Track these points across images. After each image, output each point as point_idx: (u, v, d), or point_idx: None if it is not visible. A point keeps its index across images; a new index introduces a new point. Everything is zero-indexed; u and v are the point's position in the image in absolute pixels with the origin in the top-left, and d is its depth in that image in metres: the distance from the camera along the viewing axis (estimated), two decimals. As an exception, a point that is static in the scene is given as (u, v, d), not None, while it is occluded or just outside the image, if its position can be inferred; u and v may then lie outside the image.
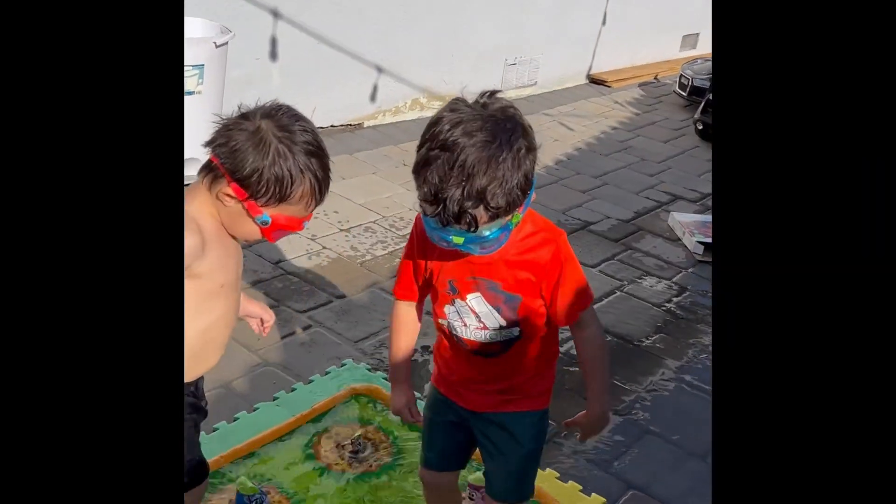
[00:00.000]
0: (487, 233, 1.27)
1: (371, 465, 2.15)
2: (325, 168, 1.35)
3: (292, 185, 1.30)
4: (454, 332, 1.53)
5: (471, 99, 1.29)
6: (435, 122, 1.26)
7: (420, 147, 1.27)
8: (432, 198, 1.24)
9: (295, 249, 3.32)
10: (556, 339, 1.62)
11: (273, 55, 4.16)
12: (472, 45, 5.35)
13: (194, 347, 1.40)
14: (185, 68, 3.37)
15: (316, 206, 1.37)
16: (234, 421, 2.24)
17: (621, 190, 4.45)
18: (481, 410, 1.59)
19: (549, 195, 4.26)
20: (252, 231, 1.37)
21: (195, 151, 3.97)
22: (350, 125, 4.76)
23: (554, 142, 5.11)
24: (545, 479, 2.15)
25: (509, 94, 5.82)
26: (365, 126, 4.82)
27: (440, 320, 1.54)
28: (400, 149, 4.60)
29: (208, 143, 1.34)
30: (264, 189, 1.30)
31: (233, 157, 1.29)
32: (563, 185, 4.45)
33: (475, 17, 5.26)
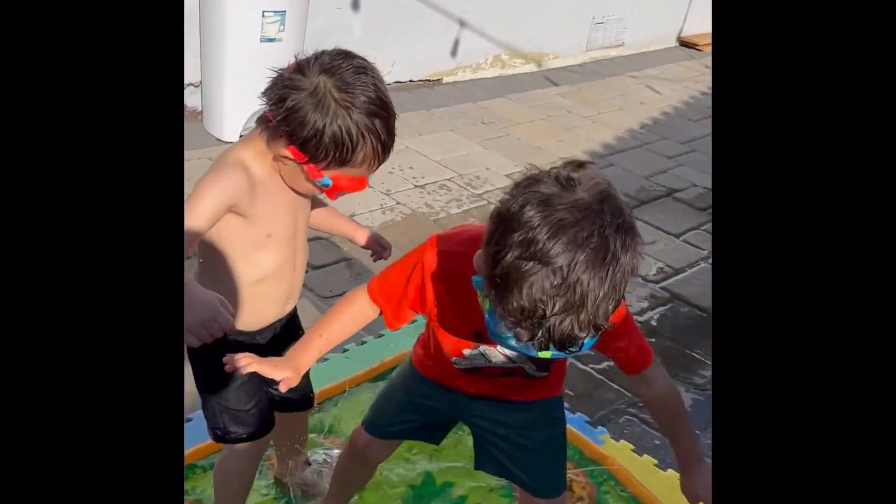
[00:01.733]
0: (585, 344, 1.04)
1: (438, 424, 2.10)
2: (389, 128, 1.23)
3: (353, 150, 1.21)
4: (469, 369, 1.34)
5: (547, 166, 1.02)
6: (519, 220, 0.96)
7: (501, 247, 0.97)
8: (528, 319, 0.97)
9: (369, 203, 3.27)
10: None
11: (355, 5, 4.09)
12: (559, 2, 5.15)
13: (242, 298, 1.37)
14: (267, 14, 3.33)
15: (378, 166, 1.27)
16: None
17: (710, 157, 4.24)
18: (491, 395, 1.39)
19: (633, 160, 4.09)
20: (313, 189, 1.31)
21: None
22: (429, 80, 4.66)
23: (640, 105, 4.91)
24: (619, 451, 2.06)
25: (594, 55, 5.61)
26: (444, 82, 4.71)
27: (453, 359, 1.32)
28: (479, 106, 4.49)
29: (264, 94, 1.25)
30: (324, 153, 1.21)
31: (290, 120, 1.19)
32: (647, 150, 4.26)
33: (563, -29, 5.07)
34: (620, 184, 3.81)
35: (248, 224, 1.31)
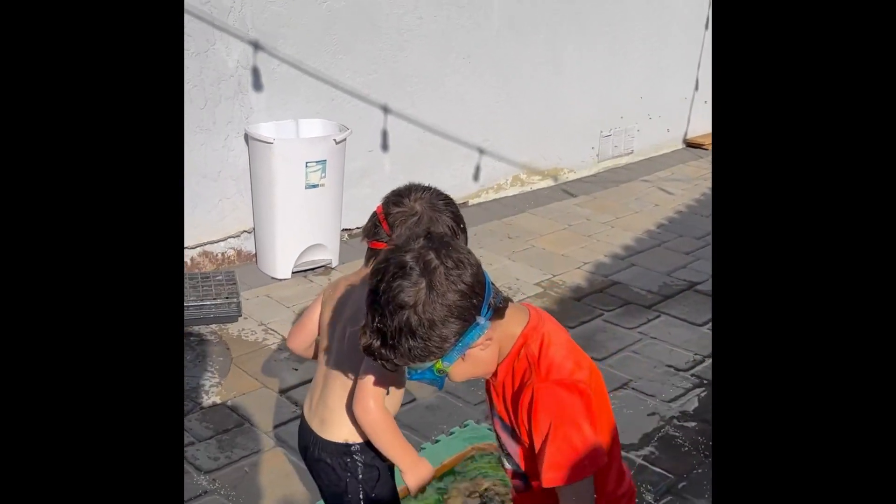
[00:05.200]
0: (413, 372, 1.25)
1: (499, 517, 2.30)
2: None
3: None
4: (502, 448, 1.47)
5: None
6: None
7: None
8: None
9: (414, 322, 3.56)
10: None
11: (384, 146, 4.54)
12: (568, 121, 5.60)
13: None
14: (310, 164, 3.77)
15: None
16: (371, 478, 2.44)
17: (725, 249, 4.50)
18: None
19: (653, 258, 4.36)
20: None
21: (322, 237, 4.48)
22: (456, 204, 5.06)
23: (655, 206, 5.23)
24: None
25: (606, 164, 6.01)
26: (469, 204, 5.10)
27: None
28: (503, 223, 4.85)
29: (373, 237, 1.62)
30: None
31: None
32: (666, 248, 4.54)
33: (569, 94, 5.54)
34: (643, 281, 4.07)
35: None
